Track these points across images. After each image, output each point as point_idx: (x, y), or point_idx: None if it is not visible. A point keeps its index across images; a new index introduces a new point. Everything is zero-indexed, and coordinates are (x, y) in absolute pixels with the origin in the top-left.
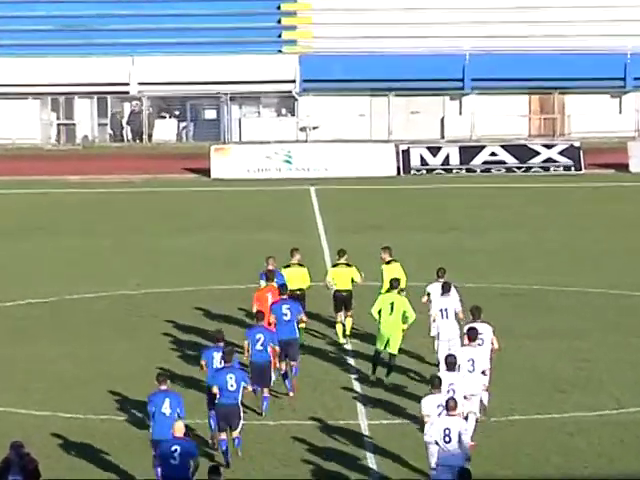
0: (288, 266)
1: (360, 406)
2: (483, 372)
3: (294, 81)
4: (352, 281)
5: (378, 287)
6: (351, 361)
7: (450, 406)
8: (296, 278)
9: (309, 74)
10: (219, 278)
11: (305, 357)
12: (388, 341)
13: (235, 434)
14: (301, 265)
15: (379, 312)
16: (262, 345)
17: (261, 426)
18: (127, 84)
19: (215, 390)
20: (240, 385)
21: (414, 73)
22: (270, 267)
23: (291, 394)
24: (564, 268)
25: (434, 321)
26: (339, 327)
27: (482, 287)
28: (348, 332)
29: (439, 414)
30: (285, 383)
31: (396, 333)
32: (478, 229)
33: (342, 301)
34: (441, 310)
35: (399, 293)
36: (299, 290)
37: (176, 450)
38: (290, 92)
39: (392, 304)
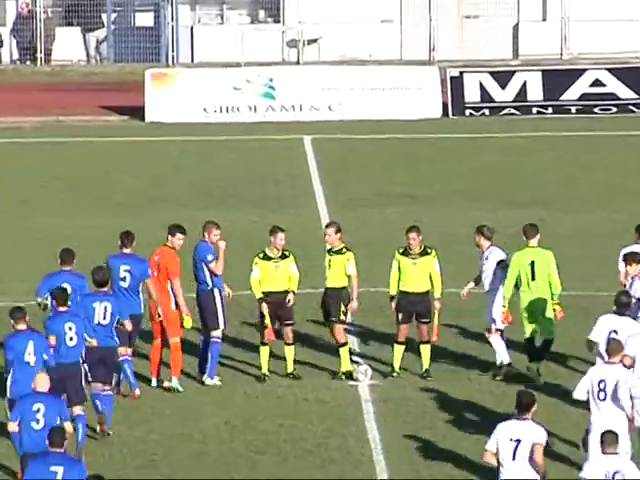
0: (266, 257)
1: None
2: None
3: None
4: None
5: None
6: (365, 398)
7: (612, 349)
8: (282, 275)
9: None
10: None
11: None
12: (537, 320)
13: (77, 410)
14: (285, 255)
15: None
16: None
17: None
18: None
19: (52, 341)
20: (82, 337)
21: None
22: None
23: (137, 392)
24: None
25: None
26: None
27: (580, 295)
28: (345, 366)
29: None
30: (129, 380)
31: (546, 305)
32: (571, 203)
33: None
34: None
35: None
36: (285, 292)
37: (39, 410)
38: None
39: (532, 264)
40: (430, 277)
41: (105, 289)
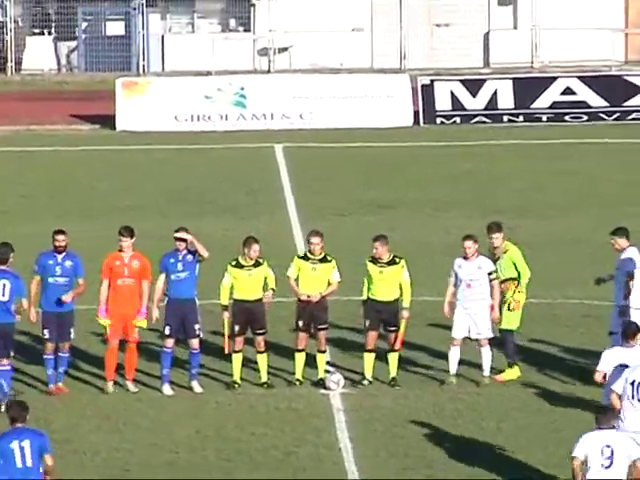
0: (239, 265)
1: None
2: None
3: None
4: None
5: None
6: (337, 407)
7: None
8: (255, 283)
9: None
10: None
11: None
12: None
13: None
14: (259, 263)
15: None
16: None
17: None
18: None
19: None
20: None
21: None
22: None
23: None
24: None
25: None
26: (299, 358)
27: (547, 303)
28: (322, 372)
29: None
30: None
31: None
32: (541, 211)
33: (310, 314)
34: None
35: None
36: (258, 301)
37: None
38: None
39: (524, 255)
40: (400, 286)
41: (4, 267)
